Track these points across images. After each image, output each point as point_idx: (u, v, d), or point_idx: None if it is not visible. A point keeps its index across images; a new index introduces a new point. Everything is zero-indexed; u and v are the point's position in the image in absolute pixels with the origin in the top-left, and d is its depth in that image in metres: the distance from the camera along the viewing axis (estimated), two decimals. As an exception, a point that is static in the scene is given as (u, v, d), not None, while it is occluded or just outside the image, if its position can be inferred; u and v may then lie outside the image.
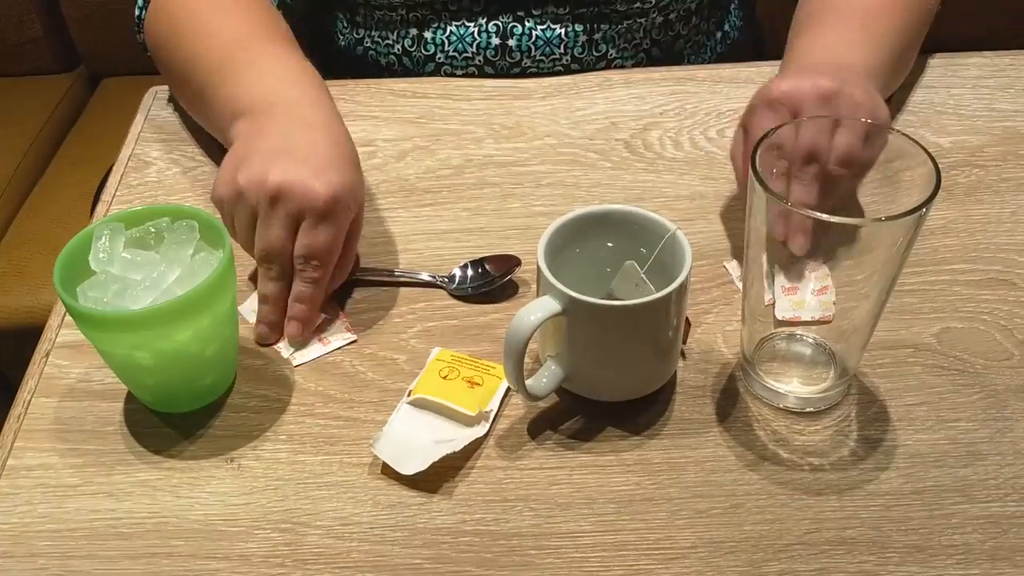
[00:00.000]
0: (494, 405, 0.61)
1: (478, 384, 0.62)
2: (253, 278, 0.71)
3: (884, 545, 0.54)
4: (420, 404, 0.62)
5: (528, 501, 0.57)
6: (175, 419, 0.62)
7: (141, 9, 0.85)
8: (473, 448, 0.60)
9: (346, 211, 0.65)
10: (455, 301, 0.70)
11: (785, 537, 0.55)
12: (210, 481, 0.59)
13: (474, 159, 0.82)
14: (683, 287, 0.57)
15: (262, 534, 0.56)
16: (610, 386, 0.61)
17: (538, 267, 0.58)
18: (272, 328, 0.66)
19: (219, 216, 0.66)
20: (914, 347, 0.65)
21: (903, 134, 0.56)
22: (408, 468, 0.58)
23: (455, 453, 0.58)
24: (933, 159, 0.54)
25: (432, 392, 0.61)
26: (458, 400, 0.61)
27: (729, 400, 0.62)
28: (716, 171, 0.79)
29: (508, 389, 0.62)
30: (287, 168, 0.63)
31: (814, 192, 0.62)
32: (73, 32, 1.70)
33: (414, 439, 0.59)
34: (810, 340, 0.63)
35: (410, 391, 0.62)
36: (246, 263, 0.73)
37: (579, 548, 0.55)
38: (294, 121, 0.68)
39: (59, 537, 0.56)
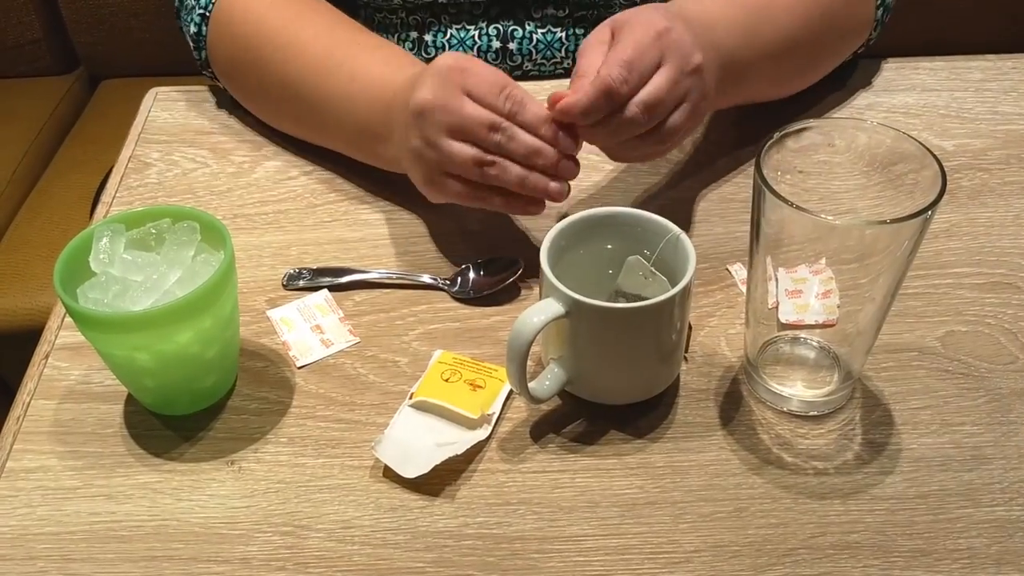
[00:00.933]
0: (496, 408, 0.61)
1: (480, 387, 0.62)
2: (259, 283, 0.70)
3: (889, 549, 0.54)
4: (422, 407, 0.61)
5: (531, 504, 0.57)
6: (175, 421, 0.62)
7: (199, 26, 0.83)
8: (475, 451, 0.59)
9: (476, 61, 0.65)
10: (457, 304, 0.69)
11: (789, 541, 0.55)
12: (210, 484, 0.59)
13: (476, 161, 0.81)
14: (687, 290, 0.57)
15: (263, 537, 0.56)
16: (613, 389, 0.61)
17: (541, 269, 0.58)
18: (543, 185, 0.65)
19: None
20: (918, 351, 0.64)
21: (908, 136, 0.56)
22: (410, 471, 0.57)
23: (457, 456, 0.58)
24: (939, 161, 0.53)
25: (434, 395, 0.61)
26: (460, 403, 0.60)
27: (732, 404, 0.62)
28: (719, 173, 0.79)
29: (510, 392, 0.62)
30: (419, 89, 0.65)
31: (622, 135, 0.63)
32: (72, 33, 1.69)
33: (416, 442, 0.59)
34: (814, 343, 0.62)
35: (412, 394, 0.62)
36: (248, 264, 0.73)
37: (582, 552, 0.55)
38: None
39: (58, 540, 0.56)
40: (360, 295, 0.70)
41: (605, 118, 0.62)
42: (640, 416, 0.61)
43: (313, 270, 0.71)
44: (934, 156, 0.54)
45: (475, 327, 0.67)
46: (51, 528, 0.57)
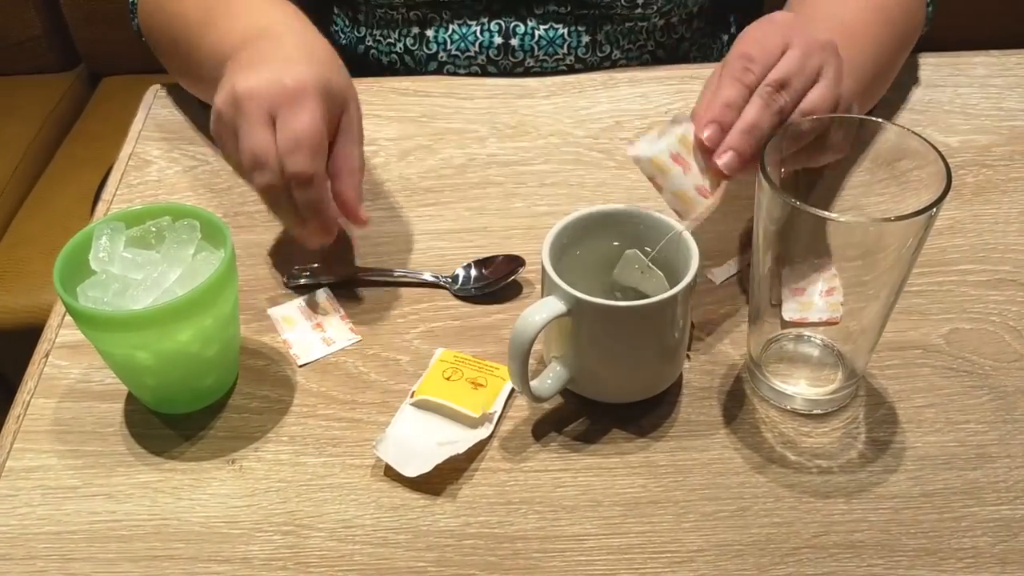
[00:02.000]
0: (498, 406, 0.61)
1: (482, 385, 0.61)
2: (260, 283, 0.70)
3: (893, 548, 0.54)
4: (423, 405, 0.61)
5: (532, 504, 0.57)
6: (176, 420, 0.62)
7: None
8: (476, 450, 0.59)
9: (321, 98, 0.62)
10: (458, 301, 0.69)
11: (793, 540, 0.54)
12: (211, 483, 0.58)
13: (477, 158, 0.81)
14: (689, 288, 0.57)
15: (264, 537, 0.56)
16: (615, 388, 0.61)
17: (543, 267, 0.57)
18: (311, 234, 0.64)
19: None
20: (923, 348, 0.64)
21: (912, 132, 0.55)
22: (411, 470, 0.57)
23: (458, 455, 0.58)
24: (943, 158, 0.53)
25: (435, 393, 0.61)
26: (461, 401, 0.60)
27: (736, 402, 0.62)
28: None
29: (512, 390, 0.62)
30: (249, 75, 0.62)
31: (767, 119, 0.58)
32: (73, 31, 1.69)
33: (417, 441, 0.59)
34: (818, 341, 0.62)
35: (413, 392, 0.62)
36: (248, 263, 0.72)
37: (584, 551, 0.54)
38: (265, 41, 0.67)
39: (58, 539, 0.56)
40: (361, 293, 0.70)
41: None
42: (643, 415, 0.61)
43: (314, 268, 0.71)
44: (939, 153, 0.54)
45: (477, 325, 0.67)
46: (51, 527, 0.56)
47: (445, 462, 0.57)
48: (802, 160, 0.60)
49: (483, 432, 0.59)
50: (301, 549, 0.55)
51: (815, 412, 0.61)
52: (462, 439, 0.59)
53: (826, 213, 0.51)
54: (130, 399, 0.63)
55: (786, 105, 0.59)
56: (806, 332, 0.62)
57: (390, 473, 0.58)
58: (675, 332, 0.59)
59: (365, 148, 0.82)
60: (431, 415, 0.61)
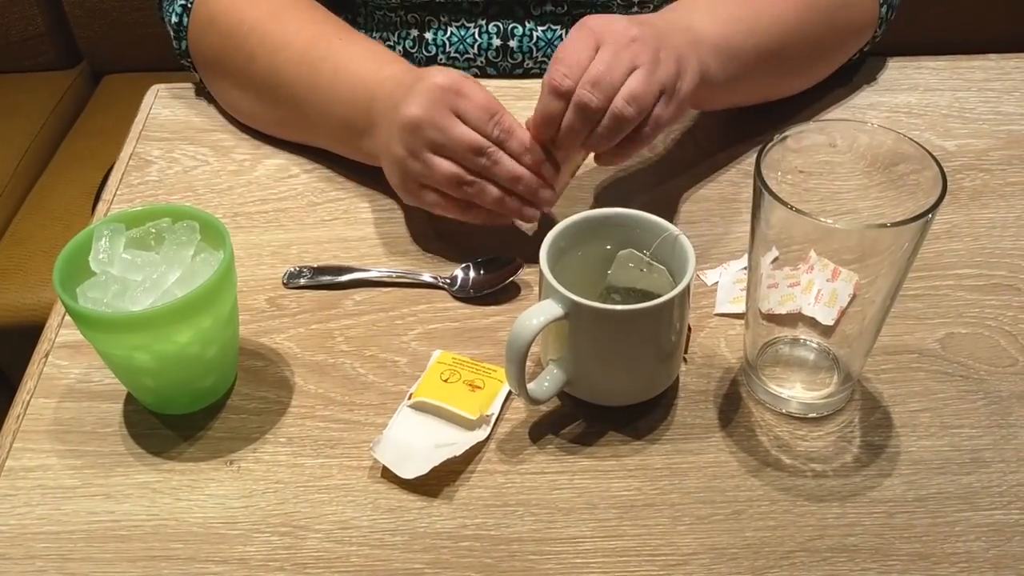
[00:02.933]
0: (495, 408, 0.61)
1: (479, 387, 0.62)
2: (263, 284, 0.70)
3: (887, 553, 0.54)
4: (420, 407, 0.61)
5: (529, 506, 0.57)
6: (175, 421, 0.62)
7: (180, 16, 0.84)
8: (474, 452, 0.59)
9: (467, 77, 0.67)
10: (457, 303, 0.69)
11: (787, 544, 0.55)
12: (209, 484, 0.59)
13: (476, 160, 0.81)
14: (686, 291, 0.57)
15: (261, 537, 0.56)
16: (612, 390, 0.61)
17: (540, 271, 0.58)
18: (522, 203, 0.67)
19: (220, 218, 0.65)
20: (918, 353, 0.64)
21: (908, 138, 0.56)
22: (408, 472, 0.57)
23: (455, 457, 0.58)
24: (939, 163, 0.53)
25: (433, 395, 0.61)
26: (459, 403, 0.60)
27: (731, 405, 0.62)
28: (720, 174, 0.79)
29: (509, 392, 0.62)
30: (407, 106, 0.66)
31: (585, 127, 0.65)
32: (75, 29, 1.69)
33: (414, 442, 0.59)
34: (813, 345, 0.62)
35: (411, 394, 0.62)
36: (248, 263, 0.73)
37: (580, 554, 0.55)
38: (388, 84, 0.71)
39: (57, 539, 0.56)
40: (360, 294, 0.70)
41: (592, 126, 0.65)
42: (639, 418, 0.61)
43: (313, 268, 0.71)
44: (934, 158, 0.54)
45: (475, 327, 0.67)
46: (50, 527, 0.57)
47: (442, 464, 0.58)
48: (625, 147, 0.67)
49: (480, 434, 0.60)
50: (298, 550, 0.55)
51: (811, 416, 0.61)
52: (459, 441, 0.59)
53: (821, 219, 0.51)
54: (129, 399, 0.63)
55: (600, 102, 0.64)
56: (802, 336, 0.62)
57: (387, 475, 0.58)
58: (672, 335, 0.59)
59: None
60: (429, 417, 0.61)
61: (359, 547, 0.55)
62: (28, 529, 0.57)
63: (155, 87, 0.91)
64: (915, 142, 0.55)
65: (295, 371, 0.65)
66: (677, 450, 0.59)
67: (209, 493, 0.58)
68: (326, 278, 0.71)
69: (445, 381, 0.62)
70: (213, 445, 0.61)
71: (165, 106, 0.89)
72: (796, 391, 0.61)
